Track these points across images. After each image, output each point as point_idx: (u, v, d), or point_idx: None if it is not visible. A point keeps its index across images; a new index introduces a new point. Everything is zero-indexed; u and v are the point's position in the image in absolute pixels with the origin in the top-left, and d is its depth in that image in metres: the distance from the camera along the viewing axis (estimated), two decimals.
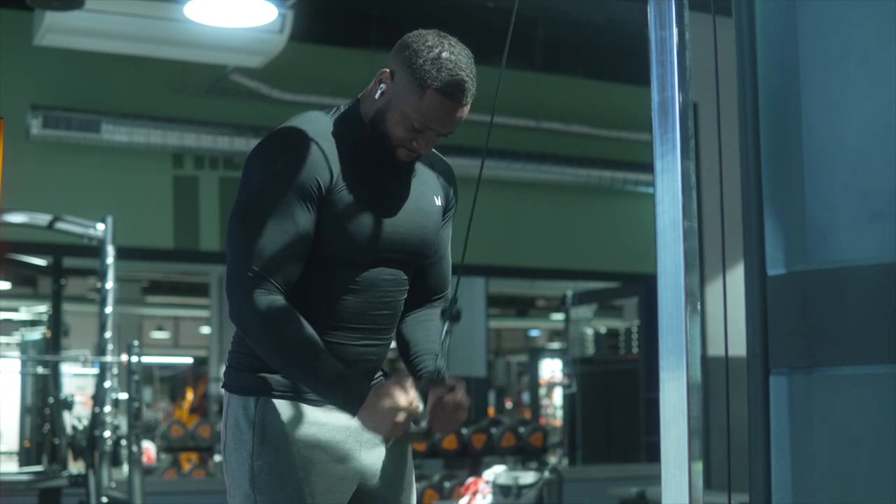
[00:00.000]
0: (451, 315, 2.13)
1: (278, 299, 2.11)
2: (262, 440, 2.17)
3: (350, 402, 2.10)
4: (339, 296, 2.21)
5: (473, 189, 2.15)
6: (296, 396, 2.19)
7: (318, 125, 2.20)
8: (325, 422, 2.20)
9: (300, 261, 2.15)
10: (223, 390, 2.29)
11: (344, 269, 2.20)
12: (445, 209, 2.37)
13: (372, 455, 2.27)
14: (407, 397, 2.08)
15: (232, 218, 2.16)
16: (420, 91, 2.14)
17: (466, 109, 2.18)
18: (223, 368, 2.35)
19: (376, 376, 2.32)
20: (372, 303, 2.23)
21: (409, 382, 2.11)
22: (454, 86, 2.14)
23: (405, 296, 2.31)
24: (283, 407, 2.19)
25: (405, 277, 2.29)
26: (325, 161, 2.15)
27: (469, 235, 2.13)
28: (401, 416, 2.07)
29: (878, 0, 1.61)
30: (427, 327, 2.34)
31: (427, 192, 2.31)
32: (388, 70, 2.20)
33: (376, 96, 2.21)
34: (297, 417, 2.18)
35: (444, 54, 2.15)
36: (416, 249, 2.28)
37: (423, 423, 2.15)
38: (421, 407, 2.12)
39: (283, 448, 2.17)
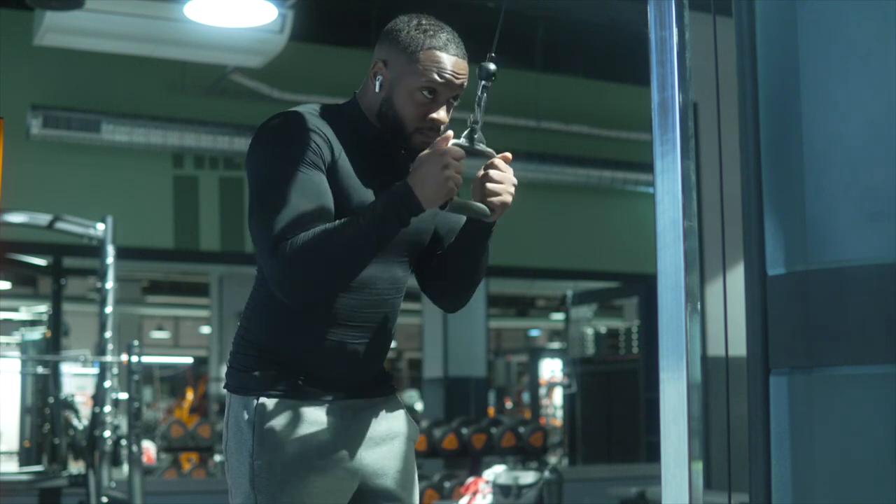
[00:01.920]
0: (486, 72, 2.10)
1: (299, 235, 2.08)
2: (262, 440, 2.17)
3: (402, 195, 2.07)
4: (335, 294, 2.20)
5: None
6: (296, 396, 2.19)
7: (316, 112, 2.21)
8: (325, 422, 2.20)
9: (327, 215, 2.11)
10: (225, 390, 2.29)
11: None
12: None
13: (373, 454, 2.27)
14: (441, 148, 2.06)
15: (251, 205, 2.14)
16: (414, 57, 2.16)
17: (465, 66, 2.19)
18: (223, 368, 2.35)
19: (378, 374, 2.32)
20: (368, 301, 2.23)
21: (438, 140, 2.09)
22: (443, 40, 2.18)
23: (402, 295, 2.31)
24: (284, 407, 2.18)
25: (401, 275, 2.29)
26: (324, 140, 2.15)
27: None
28: (448, 168, 2.06)
29: (878, 0, 1.61)
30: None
31: None
32: (379, 61, 2.22)
33: (376, 89, 2.22)
34: (298, 417, 2.18)
35: (424, 21, 2.20)
36: (410, 246, 2.28)
37: (479, 204, 2.13)
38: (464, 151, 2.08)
39: (283, 448, 2.17)
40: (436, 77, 2.16)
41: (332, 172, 2.15)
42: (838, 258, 1.60)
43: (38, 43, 6.86)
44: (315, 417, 2.19)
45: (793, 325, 1.64)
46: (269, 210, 2.09)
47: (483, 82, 2.12)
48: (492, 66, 2.11)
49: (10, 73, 7.22)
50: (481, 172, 2.19)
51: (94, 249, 6.09)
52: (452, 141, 2.10)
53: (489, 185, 2.18)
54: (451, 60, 2.17)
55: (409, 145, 2.22)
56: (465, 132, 2.14)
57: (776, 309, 1.67)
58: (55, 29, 6.56)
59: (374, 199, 2.13)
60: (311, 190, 2.10)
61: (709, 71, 1.83)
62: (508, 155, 2.23)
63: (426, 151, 2.10)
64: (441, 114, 2.19)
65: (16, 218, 5.91)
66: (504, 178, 2.20)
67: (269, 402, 2.18)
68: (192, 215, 8.24)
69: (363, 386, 2.27)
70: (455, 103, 2.23)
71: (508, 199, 2.20)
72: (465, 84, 2.21)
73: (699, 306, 1.72)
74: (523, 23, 7.48)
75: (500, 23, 2.13)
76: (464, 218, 2.32)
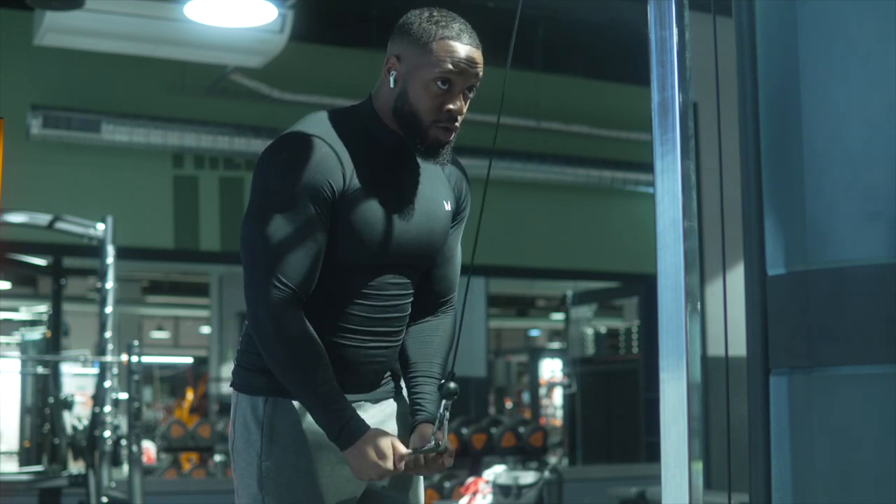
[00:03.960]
0: (448, 392, 2.13)
1: (296, 309, 2.11)
2: (271, 441, 2.17)
3: (341, 438, 2.11)
4: (347, 301, 2.20)
5: (479, 190, 2.14)
6: None
7: (328, 127, 2.19)
8: None
9: (316, 264, 2.14)
10: (231, 389, 2.28)
11: (352, 274, 2.19)
12: (456, 212, 2.35)
13: None
14: (397, 463, 2.11)
15: (245, 222, 2.15)
16: (427, 48, 2.15)
17: (479, 57, 2.19)
18: (223, 368, 2.36)
19: (385, 375, 2.32)
20: (380, 307, 2.23)
21: (403, 453, 2.12)
22: (456, 30, 2.17)
23: (412, 299, 2.31)
24: (292, 407, 2.18)
25: (411, 281, 2.29)
26: (336, 163, 2.14)
27: (476, 242, 2.13)
28: (384, 476, 2.12)
29: (878, 0, 1.61)
30: (429, 343, 2.33)
31: (437, 197, 2.29)
32: (392, 56, 2.21)
33: (391, 85, 2.20)
34: (306, 418, 2.18)
35: (435, 13, 2.19)
36: (423, 254, 2.27)
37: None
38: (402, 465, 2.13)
39: (291, 449, 2.17)
40: (450, 66, 2.14)
41: (342, 196, 2.14)
42: (838, 258, 1.60)
43: (38, 43, 6.86)
44: None
45: (793, 325, 1.64)
46: (264, 234, 2.11)
47: (444, 402, 2.13)
48: (452, 385, 2.12)
49: (10, 73, 7.21)
50: (422, 460, 2.17)
51: (94, 249, 6.09)
52: (410, 453, 2.13)
53: (422, 468, 2.18)
54: (464, 49, 2.16)
55: (426, 141, 2.19)
56: (427, 446, 2.15)
57: (776, 309, 1.67)
58: (55, 29, 6.56)
59: (338, 403, 2.13)
60: (307, 224, 2.11)
61: (709, 71, 1.83)
62: (450, 460, 2.20)
63: (382, 450, 2.10)
64: (458, 104, 2.18)
65: (16, 218, 5.91)
66: (441, 468, 2.20)
67: (278, 403, 2.18)
68: (192, 215, 8.24)
69: (371, 387, 2.28)
70: (471, 95, 2.21)
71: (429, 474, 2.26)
72: (481, 74, 2.20)
73: (699, 306, 1.72)
74: (523, 23, 7.46)
75: (513, 35, 2.13)
76: (459, 233, 2.37)
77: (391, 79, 2.20)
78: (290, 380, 2.14)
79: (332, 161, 2.14)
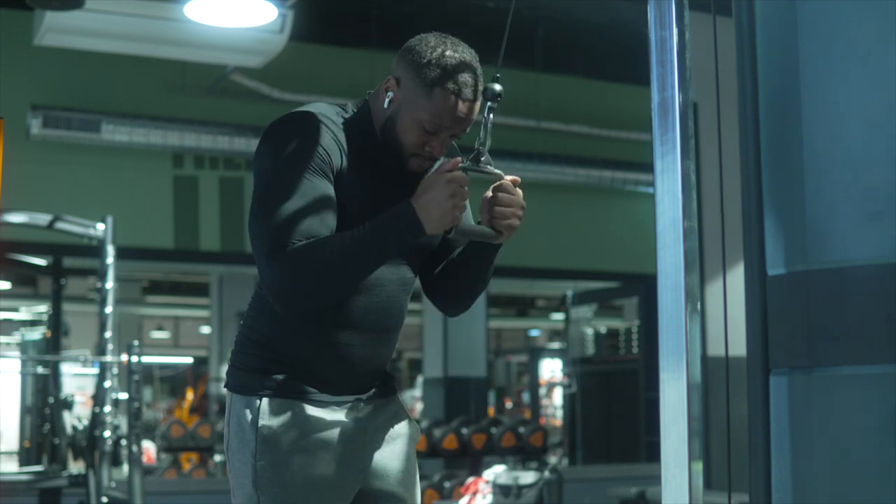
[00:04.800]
0: (492, 93, 2.08)
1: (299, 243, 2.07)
2: (265, 440, 2.16)
3: (406, 220, 2.07)
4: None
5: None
6: (299, 397, 2.19)
7: (328, 113, 2.19)
8: (328, 422, 2.19)
9: (328, 222, 2.10)
10: (225, 390, 2.28)
11: None
12: None
13: (375, 455, 2.27)
14: (448, 174, 2.05)
15: (252, 206, 2.13)
16: (428, 91, 2.12)
17: (477, 106, 2.16)
18: (223, 368, 2.35)
19: (380, 376, 2.31)
20: (377, 303, 2.22)
21: (445, 164, 2.08)
22: (461, 82, 2.12)
23: (409, 296, 2.31)
24: (287, 407, 2.18)
25: (410, 276, 2.28)
26: (334, 144, 2.14)
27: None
28: (454, 196, 2.05)
29: (878, 0, 1.61)
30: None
31: None
32: (393, 78, 2.19)
33: (385, 105, 2.19)
34: (301, 418, 2.18)
35: (448, 52, 2.14)
36: (420, 248, 2.27)
37: (486, 228, 2.11)
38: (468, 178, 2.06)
39: (285, 448, 2.16)
40: (443, 120, 2.13)
41: (338, 179, 2.14)
42: (838, 258, 1.60)
43: (38, 43, 6.86)
44: (318, 418, 2.19)
45: (793, 325, 1.64)
46: (269, 213, 2.09)
47: (489, 103, 2.10)
48: (497, 87, 2.09)
49: (10, 73, 7.22)
50: (489, 194, 2.17)
51: (94, 249, 6.09)
52: (460, 164, 2.09)
53: (497, 208, 2.16)
54: (464, 106, 2.13)
55: (404, 166, 2.20)
56: (472, 154, 2.12)
57: (776, 309, 1.67)
58: (55, 29, 6.56)
59: (376, 216, 2.10)
60: (314, 197, 2.09)
61: (709, 71, 1.83)
62: (517, 178, 2.20)
63: (432, 174, 2.08)
64: (440, 147, 2.18)
65: (16, 218, 5.91)
66: (512, 202, 2.16)
67: (273, 403, 2.18)
68: (192, 215, 8.25)
69: (366, 387, 2.27)
70: (454, 139, 2.22)
71: (516, 222, 2.17)
72: (472, 120, 2.18)
73: (699, 306, 1.72)
74: (524, 23, 7.48)
75: (505, 35, 2.11)
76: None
77: (387, 99, 2.18)
78: (340, 270, 2.08)
79: (330, 139, 2.13)
